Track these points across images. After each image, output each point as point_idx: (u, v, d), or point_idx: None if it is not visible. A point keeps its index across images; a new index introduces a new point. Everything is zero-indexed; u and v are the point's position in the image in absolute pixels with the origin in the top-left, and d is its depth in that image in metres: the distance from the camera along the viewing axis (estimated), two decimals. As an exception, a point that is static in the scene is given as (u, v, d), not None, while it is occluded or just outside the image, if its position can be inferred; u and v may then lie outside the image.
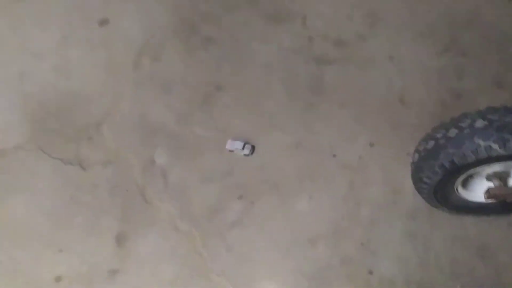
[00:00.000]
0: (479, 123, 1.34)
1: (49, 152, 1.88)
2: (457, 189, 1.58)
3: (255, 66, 2.05)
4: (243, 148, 1.88)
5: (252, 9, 2.16)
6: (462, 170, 1.43)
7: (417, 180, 1.55)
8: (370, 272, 1.70)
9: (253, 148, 1.90)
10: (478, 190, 1.59)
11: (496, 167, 1.48)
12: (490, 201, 1.55)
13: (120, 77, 2.03)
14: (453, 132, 1.39)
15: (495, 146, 1.30)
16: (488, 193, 1.49)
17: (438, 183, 1.48)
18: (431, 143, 1.44)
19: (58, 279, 1.69)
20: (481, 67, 2.00)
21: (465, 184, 1.58)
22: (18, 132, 1.92)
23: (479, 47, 2.05)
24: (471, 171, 1.46)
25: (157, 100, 1.99)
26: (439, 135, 1.43)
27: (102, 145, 1.91)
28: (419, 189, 1.59)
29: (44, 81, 2.03)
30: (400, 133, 1.91)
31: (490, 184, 1.51)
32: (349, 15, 2.16)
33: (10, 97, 1.99)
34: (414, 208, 1.77)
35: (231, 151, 1.89)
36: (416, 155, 1.52)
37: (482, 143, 1.32)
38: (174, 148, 1.90)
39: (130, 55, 2.08)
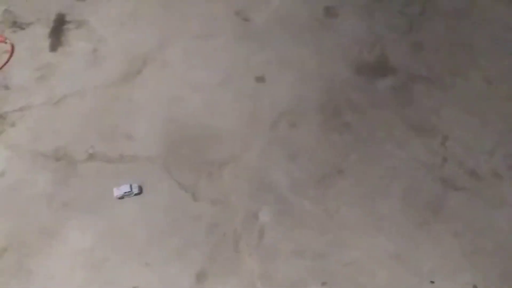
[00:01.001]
0: None
1: (172, 173, 1.98)
2: None
3: (381, 165, 2.02)
4: (131, 189, 1.87)
5: (398, 112, 2.17)
6: None
7: None
8: None
9: (140, 188, 1.89)
10: None
11: None
12: None
13: (256, 131, 2.11)
14: None
15: None
16: None
17: None
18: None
19: (135, 289, 1.74)
20: None
21: None
22: (153, 146, 2.06)
23: None
24: None
25: (280, 162, 2.03)
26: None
27: (218, 184, 1.97)
28: None
29: (191, 111, 2.17)
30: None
31: None
32: (491, 150, 2.07)
33: (158, 114, 2.16)
34: None
35: (121, 198, 1.88)
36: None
37: None
38: (279, 212, 1.91)
39: (272, 114, 2.16)
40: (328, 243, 1.85)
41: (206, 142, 2.09)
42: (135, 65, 2.29)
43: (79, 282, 1.73)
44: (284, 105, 2.20)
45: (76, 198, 1.90)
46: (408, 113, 2.18)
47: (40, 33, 2.40)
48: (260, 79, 2.28)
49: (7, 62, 2.26)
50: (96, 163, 1.99)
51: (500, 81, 2.28)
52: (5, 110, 2.11)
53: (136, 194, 1.90)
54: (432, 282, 1.75)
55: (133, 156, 2.03)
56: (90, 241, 1.82)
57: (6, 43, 2.32)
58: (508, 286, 1.75)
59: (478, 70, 2.33)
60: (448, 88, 2.27)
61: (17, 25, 2.42)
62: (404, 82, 2.29)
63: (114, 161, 2.00)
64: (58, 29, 2.41)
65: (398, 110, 2.18)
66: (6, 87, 2.18)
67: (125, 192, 1.88)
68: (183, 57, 2.34)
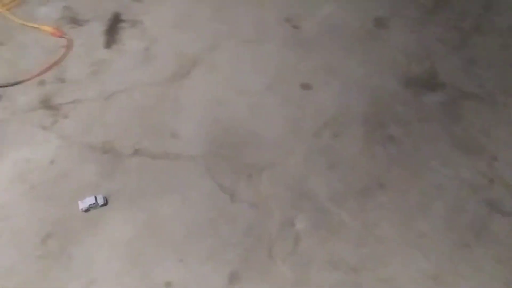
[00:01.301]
0: None
1: (212, 173, 1.99)
2: None
3: (425, 181, 1.96)
4: (96, 201, 1.84)
5: (446, 129, 2.10)
6: None
7: None
8: None
9: (106, 199, 1.87)
10: None
11: None
12: None
13: (298, 138, 2.10)
14: None
15: None
16: None
17: None
18: None
19: (168, 284, 1.74)
20: None
21: None
22: (197, 146, 2.08)
23: None
24: None
25: (321, 171, 2.00)
26: None
27: (256, 188, 1.96)
28: None
29: (236, 114, 2.18)
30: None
31: None
32: (543, 175, 1.96)
33: (203, 115, 2.17)
34: None
35: (86, 210, 1.85)
36: None
37: None
38: (316, 220, 1.88)
39: (316, 122, 2.14)
40: (363, 257, 1.81)
41: (248, 145, 2.08)
42: (185, 66, 2.32)
43: (115, 272, 1.76)
44: (328, 113, 2.17)
45: (120, 191, 1.94)
46: (456, 130, 2.10)
47: (96, 30, 2.47)
48: (306, 87, 2.26)
49: (64, 56, 2.34)
50: (141, 158, 2.03)
51: (556, 104, 2.17)
52: (59, 102, 2.19)
53: (102, 205, 1.88)
54: (470, 306, 1.68)
55: (176, 154, 2.05)
56: (130, 233, 1.85)
57: (64, 38, 2.40)
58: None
59: (533, 90, 2.22)
60: (499, 107, 2.18)
61: (75, 21, 2.50)
62: (453, 98, 2.22)
63: (158, 157, 2.03)
64: (113, 27, 2.48)
65: (446, 127, 2.11)
66: (62, 80, 2.26)
67: (90, 204, 1.86)
68: (231, 60, 2.35)
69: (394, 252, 1.81)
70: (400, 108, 2.18)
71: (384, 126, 2.13)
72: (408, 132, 2.10)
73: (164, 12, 2.54)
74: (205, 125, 2.14)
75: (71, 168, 2.00)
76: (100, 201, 1.88)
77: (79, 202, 1.87)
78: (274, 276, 1.76)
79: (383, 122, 2.14)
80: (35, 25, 2.44)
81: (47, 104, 2.18)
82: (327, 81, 2.28)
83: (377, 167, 2.01)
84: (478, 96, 2.22)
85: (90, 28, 2.47)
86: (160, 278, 1.75)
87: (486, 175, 1.97)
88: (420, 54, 2.40)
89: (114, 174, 1.99)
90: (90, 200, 1.87)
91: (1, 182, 1.95)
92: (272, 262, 1.79)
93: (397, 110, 2.18)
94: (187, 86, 2.26)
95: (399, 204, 1.91)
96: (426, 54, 2.39)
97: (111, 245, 1.82)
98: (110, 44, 2.40)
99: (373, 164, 2.02)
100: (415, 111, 2.17)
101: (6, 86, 2.22)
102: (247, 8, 2.56)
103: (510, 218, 1.86)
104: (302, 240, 1.84)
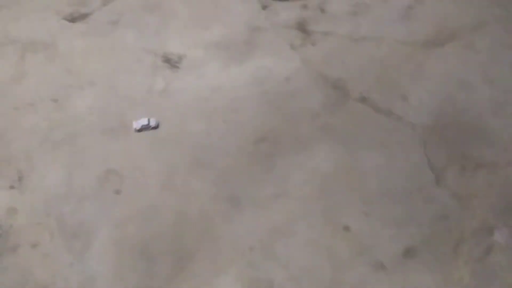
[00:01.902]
0: None
1: (426, 149, 1.90)
2: None
3: None
4: (148, 123, 1.85)
5: None
6: None
7: None
8: None
9: (158, 123, 1.88)
10: None
11: None
12: None
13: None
14: None
15: None
16: None
17: None
18: None
19: (346, 228, 1.75)
20: None
21: None
22: (422, 116, 1.99)
23: None
24: None
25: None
26: None
27: (467, 181, 1.82)
28: None
29: (475, 102, 2.02)
30: None
31: None
32: None
33: (440, 90, 2.06)
34: None
35: (139, 130, 1.84)
36: None
37: None
38: (518, 241, 1.67)
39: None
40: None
41: (476, 138, 1.91)
42: (442, 36, 2.19)
43: (304, 196, 1.82)
44: None
45: (334, 127, 1.97)
46: None
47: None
48: None
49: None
50: (364, 107, 2.02)
51: None
52: (312, 29, 2.27)
53: (153, 128, 1.89)
54: None
55: (399, 116, 1.99)
56: (329, 169, 1.88)
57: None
58: None
59: None
60: None
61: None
62: None
63: (381, 112, 2.00)
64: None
65: None
66: (322, 10, 2.32)
67: (143, 125, 1.88)
68: (494, 46, 2.14)
69: None
70: None
71: None
72: None
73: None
74: (438, 100, 2.02)
75: (301, 89, 2.09)
76: (152, 123, 1.91)
77: (133, 122, 1.92)
78: (451, 273, 1.64)
79: None
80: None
81: (302, 27, 2.28)
82: None
83: None
84: None
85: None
86: (341, 220, 1.77)
87: None
88: None
89: (335, 110, 2.02)
90: (143, 121, 1.91)
91: (242, 79, 2.14)
92: (454, 259, 1.67)
93: None
94: (436, 56, 2.13)
95: None
96: None
97: (310, 172, 1.88)
98: (378, -9, 2.37)
99: None
100: None
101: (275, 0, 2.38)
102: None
103: None
104: (495, 253, 1.66)
